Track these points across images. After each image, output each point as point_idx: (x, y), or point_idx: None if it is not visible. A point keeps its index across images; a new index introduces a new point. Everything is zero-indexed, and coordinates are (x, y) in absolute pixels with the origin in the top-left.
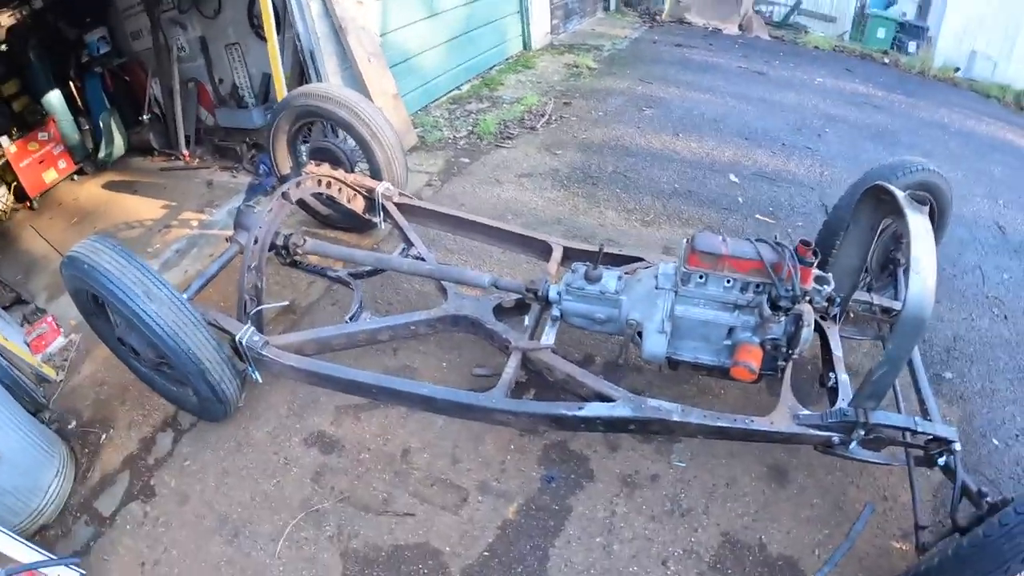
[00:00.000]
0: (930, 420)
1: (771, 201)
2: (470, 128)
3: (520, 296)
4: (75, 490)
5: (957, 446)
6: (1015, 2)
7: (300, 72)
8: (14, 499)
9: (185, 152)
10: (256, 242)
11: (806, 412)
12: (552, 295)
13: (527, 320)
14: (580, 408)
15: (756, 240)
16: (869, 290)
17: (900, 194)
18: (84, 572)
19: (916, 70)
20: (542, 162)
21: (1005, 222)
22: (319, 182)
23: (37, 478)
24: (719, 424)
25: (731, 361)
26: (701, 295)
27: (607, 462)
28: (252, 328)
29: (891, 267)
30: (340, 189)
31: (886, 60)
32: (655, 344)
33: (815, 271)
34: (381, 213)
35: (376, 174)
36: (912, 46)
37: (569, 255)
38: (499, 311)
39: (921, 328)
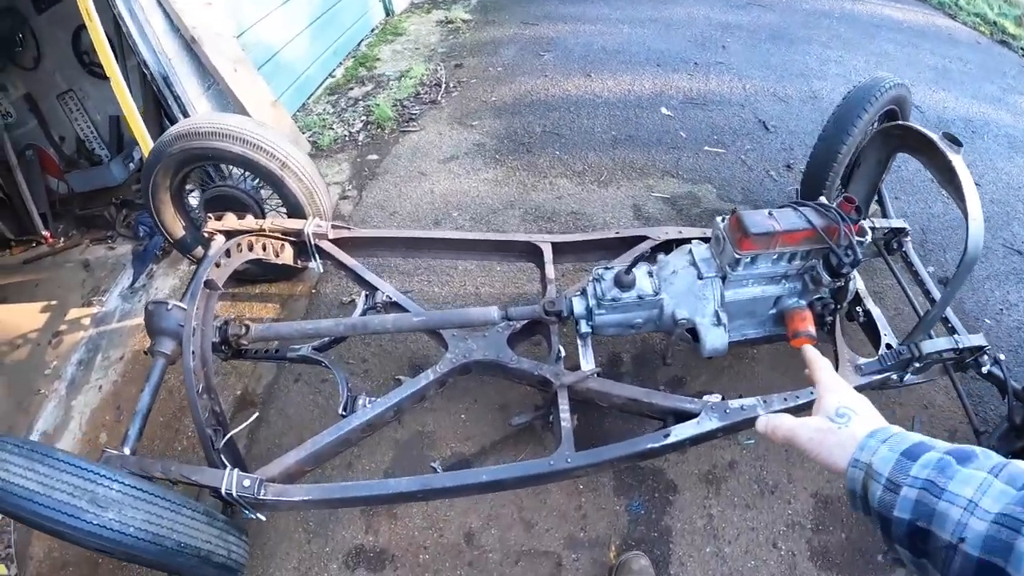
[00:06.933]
0: (958, 334)
1: (711, 128)
2: (364, 119)
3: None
4: None
5: (992, 350)
6: None
7: (156, 104)
8: None
9: (46, 233)
10: (195, 356)
11: (865, 361)
12: (579, 310)
13: (554, 345)
14: (666, 436)
15: (798, 204)
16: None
17: (936, 137)
18: None
19: None
20: (461, 139)
21: (919, 101)
22: (239, 247)
23: None
24: (800, 402)
25: (782, 331)
26: (750, 276)
27: (683, 467)
28: (235, 471)
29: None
30: (264, 245)
31: None
32: (715, 338)
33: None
34: (316, 256)
35: (295, 211)
36: None
37: (560, 249)
38: (512, 341)
39: (974, 266)
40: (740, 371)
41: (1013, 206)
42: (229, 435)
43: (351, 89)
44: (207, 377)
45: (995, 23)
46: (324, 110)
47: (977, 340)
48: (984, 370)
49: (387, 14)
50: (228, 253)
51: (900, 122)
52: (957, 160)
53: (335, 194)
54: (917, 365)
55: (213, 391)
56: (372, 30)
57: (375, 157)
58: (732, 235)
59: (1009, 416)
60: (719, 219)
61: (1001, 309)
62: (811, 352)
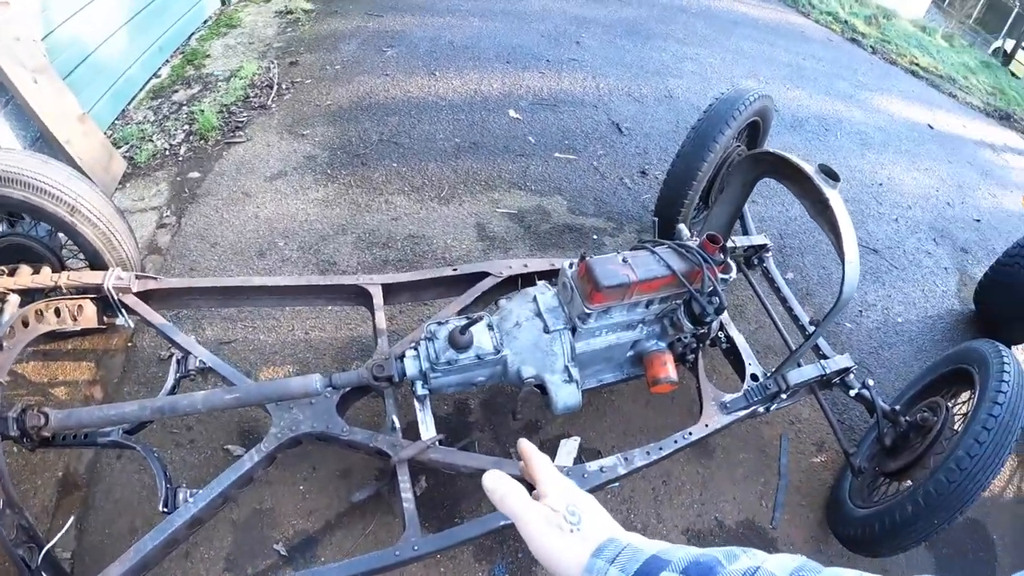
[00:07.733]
0: (826, 358)
1: (562, 132)
2: (187, 127)
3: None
4: None
5: (861, 372)
6: None
7: None
8: None
9: None
10: None
11: (731, 397)
12: (412, 372)
13: (388, 413)
14: None
15: (655, 244)
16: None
17: (811, 170)
18: None
19: None
20: (291, 151)
21: (775, 100)
22: (25, 322)
23: None
24: (664, 454)
25: (642, 371)
26: (603, 326)
27: None
28: None
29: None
30: (57, 310)
31: None
32: (567, 395)
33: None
34: (123, 312)
35: (95, 261)
36: None
37: (391, 291)
38: (342, 405)
39: (846, 306)
40: (599, 407)
41: (867, 204)
42: (45, 549)
43: (176, 92)
44: (6, 491)
45: (846, 22)
46: (145, 117)
47: (843, 361)
48: (853, 393)
49: (223, 3)
50: (12, 331)
51: (772, 150)
52: (834, 196)
53: (152, 221)
54: (784, 397)
55: (16, 505)
56: (205, 22)
57: (197, 175)
58: (581, 286)
59: (879, 438)
60: (567, 264)
61: (860, 311)
62: (527, 448)
